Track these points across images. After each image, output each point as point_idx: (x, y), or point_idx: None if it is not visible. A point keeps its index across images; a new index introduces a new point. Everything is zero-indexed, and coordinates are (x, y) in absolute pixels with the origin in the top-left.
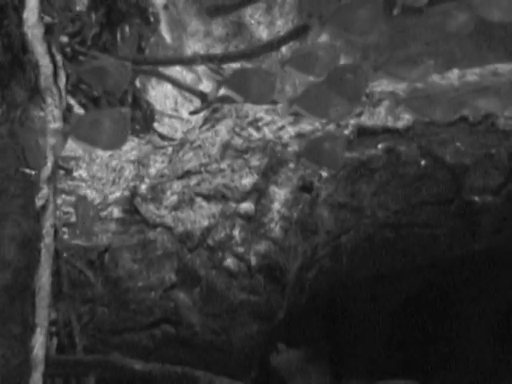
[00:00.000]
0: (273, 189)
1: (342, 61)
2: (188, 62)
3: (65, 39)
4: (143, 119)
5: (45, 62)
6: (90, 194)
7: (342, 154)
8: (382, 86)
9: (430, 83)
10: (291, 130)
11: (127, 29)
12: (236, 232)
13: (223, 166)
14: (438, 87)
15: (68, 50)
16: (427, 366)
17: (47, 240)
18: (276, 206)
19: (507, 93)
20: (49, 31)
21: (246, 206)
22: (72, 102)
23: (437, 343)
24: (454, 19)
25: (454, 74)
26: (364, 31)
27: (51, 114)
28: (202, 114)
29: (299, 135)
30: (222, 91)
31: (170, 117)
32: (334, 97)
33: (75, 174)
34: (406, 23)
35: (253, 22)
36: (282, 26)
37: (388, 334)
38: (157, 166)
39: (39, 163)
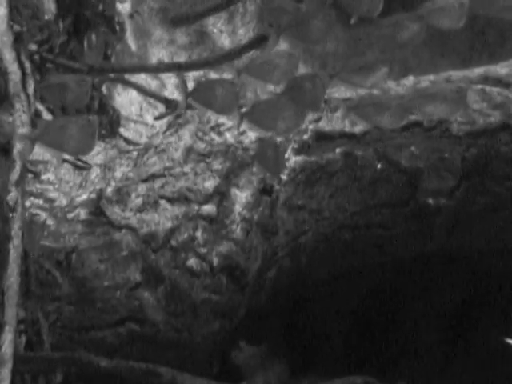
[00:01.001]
0: (234, 191)
1: (301, 69)
2: (152, 69)
3: (33, 47)
4: (109, 124)
5: (13, 69)
6: (58, 196)
7: (282, 162)
8: (339, 92)
9: (384, 90)
10: (252, 135)
11: (94, 37)
12: (198, 233)
13: (186, 169)
14: (386, 94)
15: (36, 57)
16: (383, 363)
17: (16, 241)
18: (237, 208)
19: (453, 99)
20: (18, 39)
21: (209, 208)
22: (40, 107)
23: (392, 340)
24: (405, 30)
25: (409, 81)
26: (319, 40)
27: (19, 120)
28: (165, 120)
29: (259, 140)
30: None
31: (135, 122)
32: (283, 110)
33: (43, 177)
34: (361, 32)
35: (215, 30)
36: (244, 34)
37: (345, 331)
38: (122, 169)
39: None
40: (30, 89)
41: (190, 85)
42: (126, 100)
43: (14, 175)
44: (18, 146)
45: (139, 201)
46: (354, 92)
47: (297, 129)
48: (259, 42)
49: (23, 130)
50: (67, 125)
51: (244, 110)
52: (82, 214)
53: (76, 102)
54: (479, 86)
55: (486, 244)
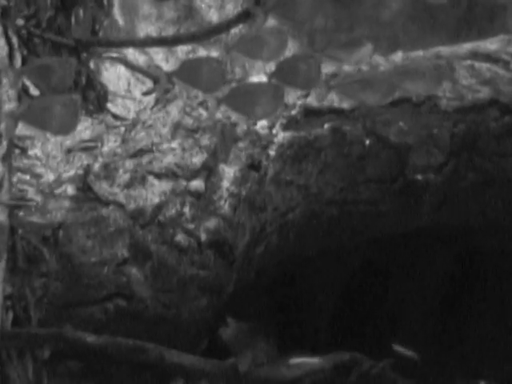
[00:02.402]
0: (222, 167)
1: (290, 45)
2: (140, 43)
3: (20, 22)
4: (97, 100)
5: (0, 44)
6: (45, 172)
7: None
8: (328, 67)
9: (372, 66)
10: None
11: (81, 12)
12: (186, 209)
13: (174, 145)
14: (375, 70)
15: (23, 32)
16: (371, 339)
17: (1, 216)
18: (225, 183)
19: (432, 76)
20: (5, 14)
21: (196, 184)
22: (28, 83)
23: (380, 317)
24: (387, 9)
25: (398, 57)
26: (307, 16)
27: (6, 95)
28: (153, 95)
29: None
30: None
31: (123, 97)
32: (260, 96)
33: (30, 152)
34: (349, 9)
35: (203, 5)
36: (232, 9)
37: (333, 308)
38: (110, 145)
39: None
40: (17, 64)
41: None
42: (113, 75)
43: (1, 150)
44: (5, 121)
45: (127, 176)
46: (340, 68)
47: (274, 114)
48: (246, 16)
49: (10, 105)
50: (50, 104)
51: (225, 93)
52: (70, 189)
53: (60, 84)
54: (468, 62)
55: (475, 220)
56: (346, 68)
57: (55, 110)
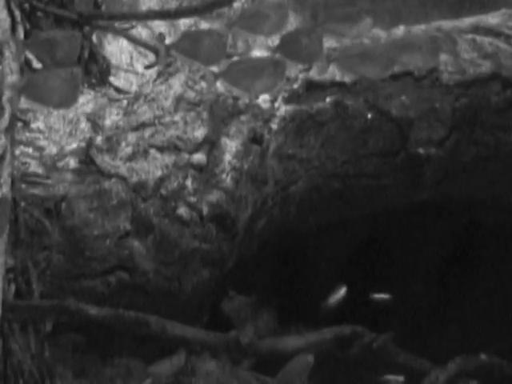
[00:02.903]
0: (224, 140)
1: (292, 20)
2: (142, 17)
3: None
4: (99, 73)
5: (3, 16)
6: (47, 145)
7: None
8: (329, 42)
9: (374, 40)
10: None
11: None
12: (188, 182)
13: (176, 118)
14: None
15: (26, 6)
16: (372, 313)
17: (4, 188)
18: (227, 157)
19: (428, 49)
20: None
21: (199, 157)
22: (30, 56)
23: (381, 290)
24: None
25: (400, 31)
26: None
27: (8, 67)
28: (156, 68)
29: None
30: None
31: (126, 71)
32: (260, 71)
33: (33, 125)
34: None
35: None
36: None
37: (335, 281)
38: (112, 118)
39: None
40: (20, 37)
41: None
42: (116, 49)
43: (3, 123)
44: (7, 94)
45: (129, 150)
46: (341, 42)
47: (274, 89)
48: None
49: (12, 77)
50: (51, 78)
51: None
52: (72, 162)
53: (66, 58)
54: (470, 36)
55: (476, 193)
56: (348, 42)
57: (56, 84)
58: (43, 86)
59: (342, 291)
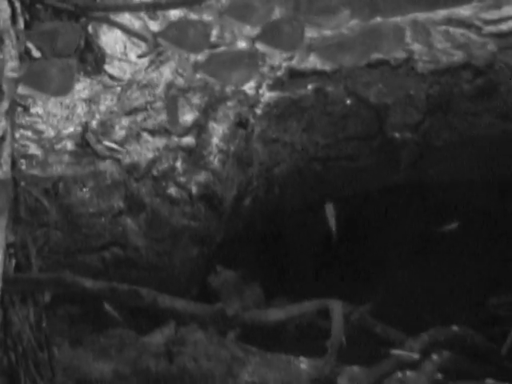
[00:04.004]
0: (212, 125)
1: (277, 11)
2: (134, 8)
3: None
4: (95, 62)
5: (3, 6)
6: (46, 128)
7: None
8: (311, 32)
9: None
10: None
11: None
12: (178, 163)
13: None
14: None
15: None
16: (351, 287)
17: (5, 168)
18: (215, 140)
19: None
20: None
21: (188, 140)
22: (30, 45)
23: (360, 267)
24: None
25: (377, 22)
26: None
27: (9, 54)
28: (148, 57)
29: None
30: None
31: (119, 60)
32: (237, 63)
33: (32, 110)
34: None
35: None
36: None
37: (316, 257)
38: (107, 103)
39: None
40: (20, 27)
41: None
42: (111, 39)
43: (4, 106)
44: (7, 79)
45: (122, 133)
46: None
47: (250, 80)
48: None
49: (12, 63)
50: (48, 67)
51: (198, 59)
52: (69, 145)
53: (65, 48)
54: (443, 27)
55: (449, 176)
56: (327, 33)
57: (53, 74)
58: (41, 74)
59: (330, 208)
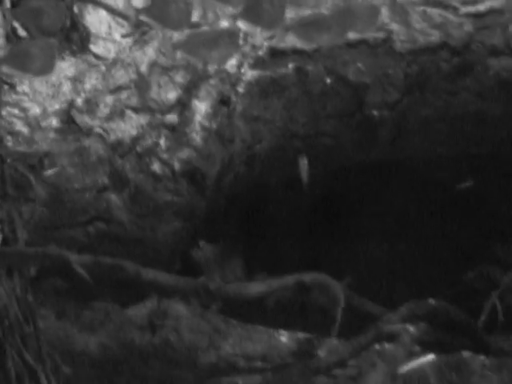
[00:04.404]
0: (195, 103)
1: None
2: None
3: None
4: (80, 41)
5: None
6: (32, 106)
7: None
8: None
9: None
10: None
11: None
12: (162, 140)
13: (151, 82)
14: (321, 14)
15: None
16: (331, 262)
17: None
18: (197, 117)
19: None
20: None
21: (171, 118)
22: (16, 24)
23: (340, 242)
24: None
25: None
26: None
27: None
28: (132, 37)
29: None
30: None
31: (104, 39)
32: (217, 42)
33: (19, 88)
34: None
35: None
36: None
37: (297, 232)
38: (92, 82)
39: None
40: (6, 6)
41: None
42: (95, 19)
43: None
44: None
45: (107, 110)
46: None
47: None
48: None
49: None
50: (29, 47)
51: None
52: (54, 122)
53: (51, 27)
54: (421, 8)
55: (426, 153)
56: (307, 12)
57: (34, 53)
58: (23, 54)
59: (304, 161)
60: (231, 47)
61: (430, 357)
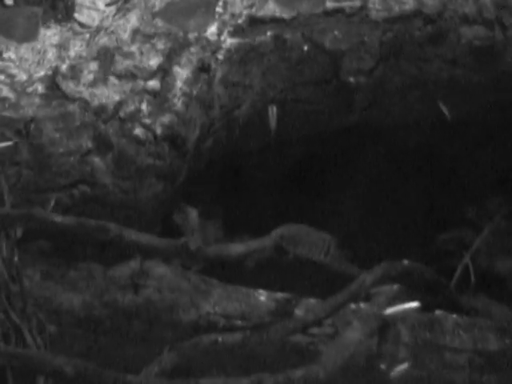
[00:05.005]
0: (176, 69)
1: None
2: None
3: None
4: (65, 10)
5: None
6: (18, 72)
7: None
8: None
9: None
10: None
11: None
12: (144, 106)
13: (133, 49)
14: None
15: None
16: (309, 225)
17: None
18: (178, 83)
19: None
20: None
21: (153, 84)
22: None
23: (317, 205)
24: None
25: None
26: None
27: None
28: (115, 6)
29: None
30: None
31: (88, 8)
32: (192, 10)
33: (5, 55)
34: None
35: None
36: None
37: (275, 195)
38: (76, 49)
39: None
40: None
41: None
42: None
43: None
44: None
45: (91, 77)
46: None
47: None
48: None
49: None
50: (14, 15)
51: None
52: (40, 88)
53: None
54: None
55: (400, 118)
56: None
57: (18, 21)
58: (8, 22)
59: (273, 110)
60: (208, 16)
61: (414, 304)
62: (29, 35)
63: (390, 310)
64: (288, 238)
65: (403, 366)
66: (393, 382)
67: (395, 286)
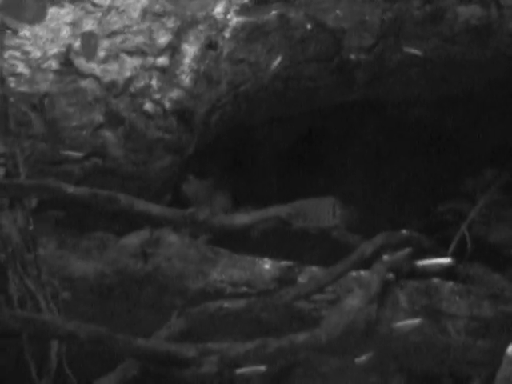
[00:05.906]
0: (184, 46)
1: None
2: None
3: None
4: None
5: None
6: (33, 49)
7: None
8: None
9: None
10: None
11: None
12: (153, 81)
13: (143, 27)
14: None
15: None
16: (314, 194)
17: None
18: (187, 60)
19: None
20: None
21: (162, 60)
22: None
23: (320, 176)
24: None
25: None
26: None
27: None
28: None
29: None
30: None
31: None
32: (26, 4)
33: (21, 33)
34: None
35: None
36: None
37: (280, 168)
38: (88, 27)
39: None
40: None
41: None
42: None
43: None
44: None
45: (103, 54)
46: None
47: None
48: None
49: None
50: None
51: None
52: (54, 64)
53: None
54: None
55: (400, 95)
56: None
57: (27, 3)
58: (18, 3)
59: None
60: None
61: (446, 259)
62: (36, 17)
63: (421, 263)
64: (296, 213)
65: (415, 321)
66: (395, 332)
67: (395, 255)
